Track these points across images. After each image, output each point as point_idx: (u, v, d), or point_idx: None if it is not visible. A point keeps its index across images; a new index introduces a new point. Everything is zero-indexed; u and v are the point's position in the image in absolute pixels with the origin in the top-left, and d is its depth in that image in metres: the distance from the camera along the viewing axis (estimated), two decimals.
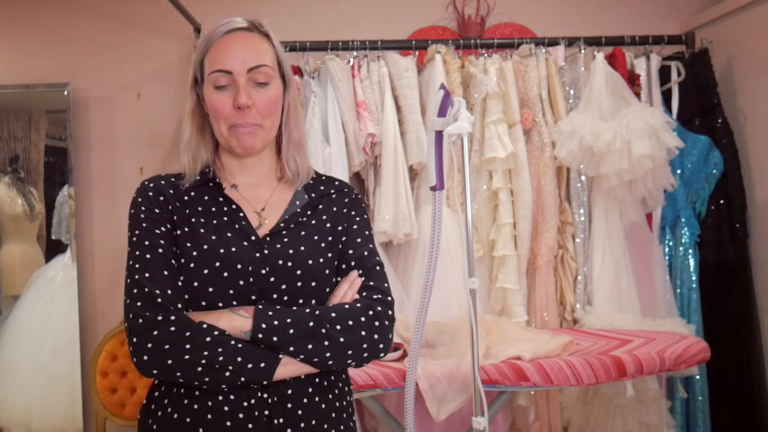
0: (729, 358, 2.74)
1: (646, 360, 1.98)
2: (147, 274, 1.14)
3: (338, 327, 1.17)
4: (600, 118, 2.68)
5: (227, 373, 1.11)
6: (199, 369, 1.11)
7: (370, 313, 1.20)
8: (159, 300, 1.12)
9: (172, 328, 1.11)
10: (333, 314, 1.18)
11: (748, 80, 2.84)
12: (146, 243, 1.18)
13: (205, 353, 1.10)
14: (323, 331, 1.15)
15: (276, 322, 1.14)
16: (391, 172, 2.66)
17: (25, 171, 3.08)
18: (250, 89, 1.22)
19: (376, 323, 1.20)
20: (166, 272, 1.16)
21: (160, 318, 1.11)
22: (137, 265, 1.16)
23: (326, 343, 1.16)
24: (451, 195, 2.64)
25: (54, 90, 3.03)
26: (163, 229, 1.20)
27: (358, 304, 1.21)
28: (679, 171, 2.81)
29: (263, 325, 1.13)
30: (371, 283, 1.26)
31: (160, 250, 1.17)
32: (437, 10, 3.17)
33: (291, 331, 1.14)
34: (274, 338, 1.13)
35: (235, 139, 1.24)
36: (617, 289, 2.69)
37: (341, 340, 1.16)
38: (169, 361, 1.10)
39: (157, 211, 1.21)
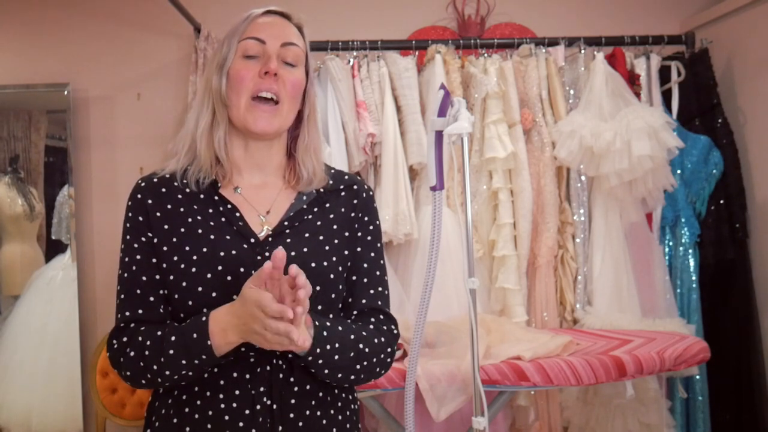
0: (729, 358, 2.74)
1: (646, 360, 1.98)
2: (123, 296, 1.19)
3: (365, 363, 1.18)
4: (600, 118, 2.68)
5: (187, 371, 1.11)
6: (179, 378, 1.12)
7: (389, 350, 1.23)
8: (122, 325, 1.18)
9: (130, 353, 1.14)
10: (367, 350, 1.18)
11: (748, 80, 2.84)
12: (126, 260, 1.20)
13: (168, 373, 1.12)
14: (357, 366, 1.17)
15: (328, 347, 1.13)
16: (391, 172, 2.67)
17: (25, 171, 3.08)
18: (280, 63, 1.20)
19: (388, 360, 1.24)
20: (138, 290, 1.18)
21: (116, 344, 1.17)
22: (118, 287, 1.20)
23: (352, 377, 1.18)
24: (451, 195, 2.64)
25: (54, 90, 3.03)
26: (143, 239, 1.19)
27: (383, 338, 1.22)
28: (679, 171, 2.81)
29: (318, 350, 1.12)
30: (387, 310, 1.27)
31: (134, 267, 1.18)
32: (437, 10, 3.17)
33: (336, 357, 1.14)
34: (320, 361, 1.13)
35: (252, 117, 1.18)
36: (617, 289, 2.69)
37: (362, 376, 1.20)
38: (143, 381, 1.15)
39: (141, 219, 1.20)
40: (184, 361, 1.10)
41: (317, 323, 1.12)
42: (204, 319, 1.10)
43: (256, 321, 1.03)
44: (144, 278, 1.18)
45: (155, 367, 1.11)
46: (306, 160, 1.26)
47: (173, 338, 1.11)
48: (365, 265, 1.25)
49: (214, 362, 1.11)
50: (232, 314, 1.08)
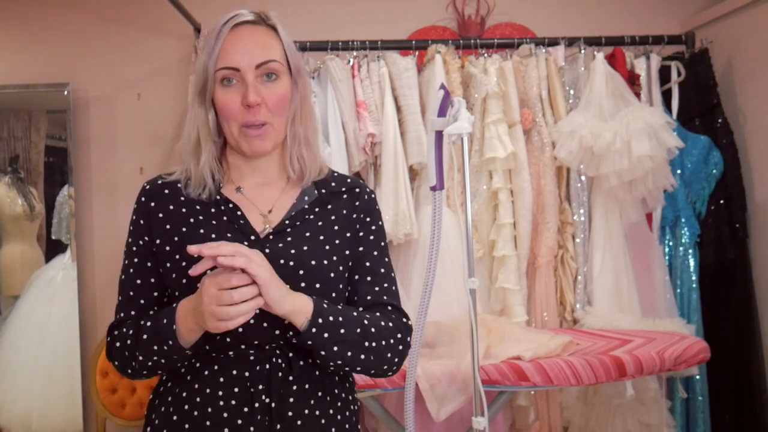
0: (729, 358, 2.74)
1: (646, 360, 1.98)
2: (120, 297, 1.24)
3: (374, 344, 1.17)
4: (600, 118, 2.68)
5: (159, 358, 1.14)
6: (154, 365, 1.16)
7: (399, 336, 1.21)
8: (115, 323, 1.23)
9: (117, 344, 1.20)
10: (374, 330, 1.17)
11: (748, 80, 2.84)
12: (126, 262, 1.24)
13: (141, 358, 1.16)
14: (366, 344, 1.16)
15: (331, 318, 1.12)
16: (391, 172, 2.66)
17: (25, 171, 3.08)
18: (258, 85, 1.18)
19: (400, 347, 1.21)
20: (132, 293, 1.22)
21: (109, 338, 1.23)
22: (118, 288, 1.24)
23: (362, 356, 1.16)
24: (451, 195, 2.64)
25: (54, 90, 3.03)
26: (140, 242, 1.22)
27: (391, 324, 1.21)
28: (679, 171, 2.81)
29: (320, 320, 1.11)
30: (395, 303, 1.26)
31: (131, 270, 1.23)
32: (437, 10, 3.17)
33: (341, 331, 1.13)
34: (325, 334, 1.11)
35: (246, 143, 1.20)
36: (617, 289, 2.69)
37: (372, 358, 1.17)
38: (129, 371, 1.20)
39: (142, 222, 1.22)
40: (155, 347, 1.13)
41: (314, 297, 1.13)
42: (174, 305, 1.13)
43: (208, 298, 1.04)
44: (138, 281, 1.22)
45: (136, 353, 1.16)
46: (293, 156, 1.25)
47: (148, 323, 1.15)
48: (368, 263, 1.26)
49: (180, 351, 1.12)
50: (192, 299, 1.10)
